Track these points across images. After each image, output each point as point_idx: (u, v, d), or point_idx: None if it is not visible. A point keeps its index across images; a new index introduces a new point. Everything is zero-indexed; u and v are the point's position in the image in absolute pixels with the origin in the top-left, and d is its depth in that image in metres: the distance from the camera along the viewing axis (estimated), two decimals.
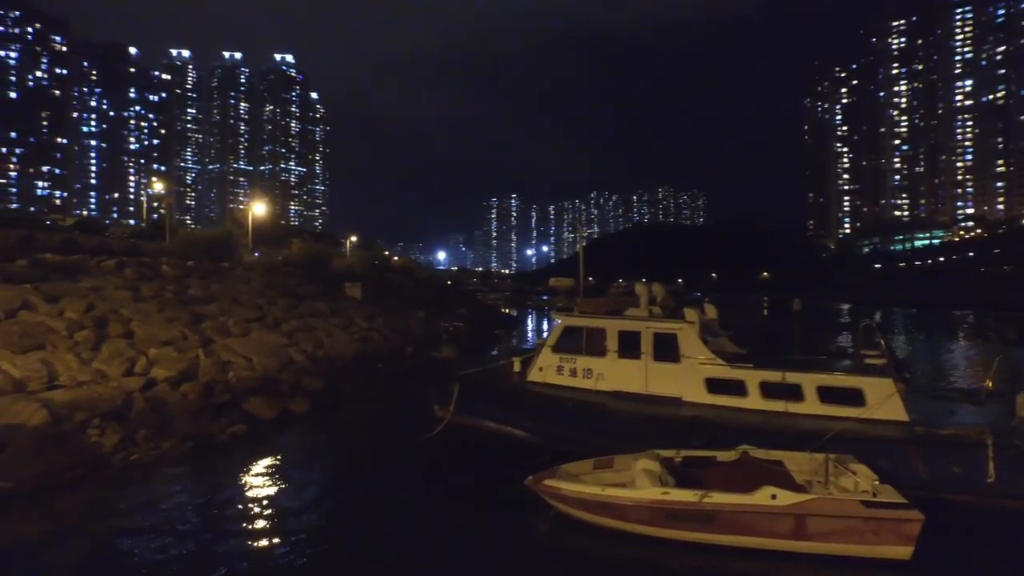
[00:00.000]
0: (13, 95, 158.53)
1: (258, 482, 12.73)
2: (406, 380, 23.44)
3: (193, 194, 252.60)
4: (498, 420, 14.34)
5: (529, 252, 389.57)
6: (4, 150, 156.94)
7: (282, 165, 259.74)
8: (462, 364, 16.59)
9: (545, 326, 56.61)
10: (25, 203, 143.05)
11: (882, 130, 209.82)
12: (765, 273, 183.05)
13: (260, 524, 10.54)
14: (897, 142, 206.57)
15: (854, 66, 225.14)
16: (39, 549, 9.45)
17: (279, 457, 14.64)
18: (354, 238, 73.59)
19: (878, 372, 12.12)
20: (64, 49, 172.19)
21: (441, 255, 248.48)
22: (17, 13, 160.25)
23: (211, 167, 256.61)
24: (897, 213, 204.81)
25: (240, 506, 11.34)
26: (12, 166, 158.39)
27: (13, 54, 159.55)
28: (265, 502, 11.55)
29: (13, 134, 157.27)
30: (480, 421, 14.55)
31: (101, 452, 12.89)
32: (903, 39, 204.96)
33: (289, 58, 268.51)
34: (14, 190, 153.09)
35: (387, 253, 77.73)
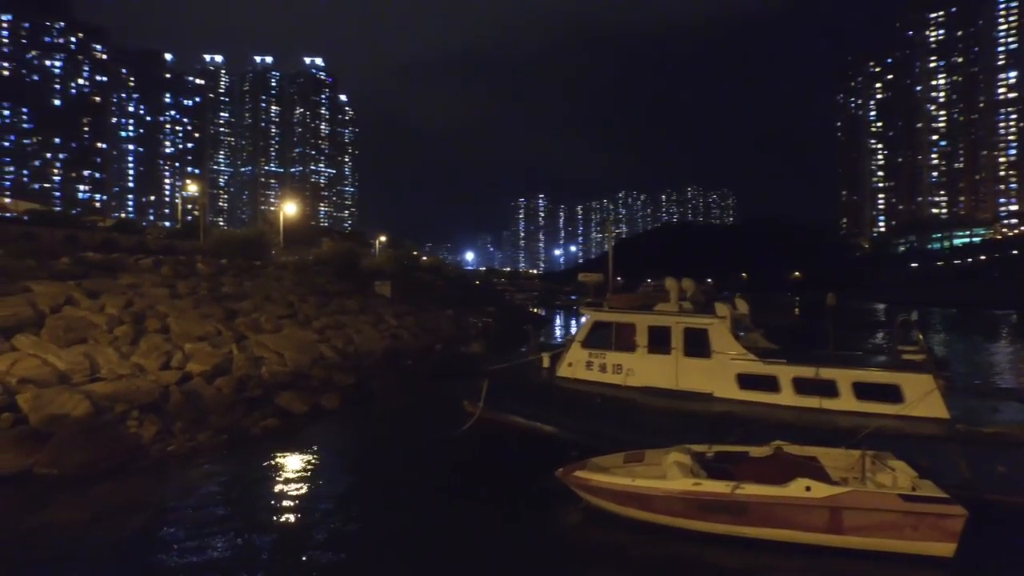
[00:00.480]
0: (57, 103, 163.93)
1: (291, 474, 12.93)
2: (435, 377, 23.60)
3: (226, 196, 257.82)
4: (527, 416, 14.34)
5: (557, 252, 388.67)
6: (49, 155, 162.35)
7: (312, 167, 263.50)
8: (490, 360, 16.62)
9: (573, 325, 56.42)
10: (67, 206, 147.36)
11: (919, 125, 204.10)
12: (796, 273, 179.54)
13: (292, 515, 10.71)
14: (935, 137, 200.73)
15: (889, 60, 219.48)
16: (82, 533, 9.74)
17: (311, 450, 14.85)
18: (383, 238, 74.39)
19: (916, 368, 11.79)
20: (104, 57, 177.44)
21: (469, 255, 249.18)
22: (61, 24, 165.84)
23: (243, 170, 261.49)
24: (935, 211, 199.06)
25: (273, 497, 11.54)
26: (56, 171, 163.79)
27: (58, 63, 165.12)
28: (297, 494, 11.72)
29: (57, 140, 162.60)
30: (509, 416, 14.57)
31: (140, 443, 13.24)
32: (941, 31, 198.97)
33: (319, 61, 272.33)
34: (58, 194, 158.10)
35: (415, 253, 78.27)
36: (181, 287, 22.89)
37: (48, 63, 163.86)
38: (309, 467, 13.68)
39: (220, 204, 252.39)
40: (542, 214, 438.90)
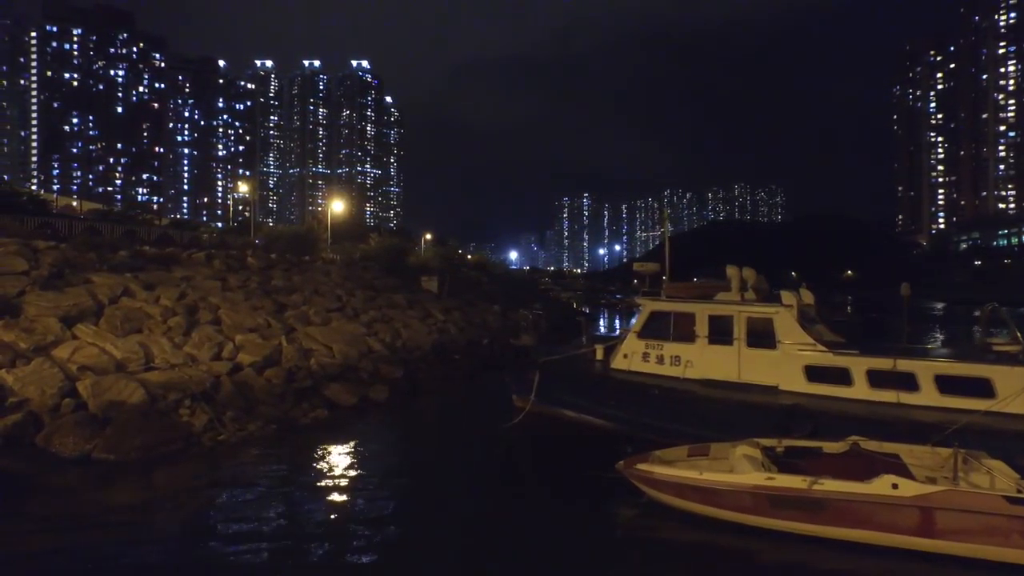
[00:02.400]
0: (119, 110, 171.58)
1: (339, 466, 12.79)
2: (483, 371, 23.33)
3: (275, 198, 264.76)
4: (580, 409, 13.82)
5: (601, 251, 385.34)
6: (111, 160, 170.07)
7: (358, 168, 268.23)
8: (541, 351, 16.17)
9: (617, 324, 55.52)
10: (127, 208, 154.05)
11: (984, 116, 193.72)
12: (849, 271, 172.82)
13: (340, 507, 10.53)
14: (1003, 128, 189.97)
15: (952, 48, 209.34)
16: (138, 517, 9.79)
17: (360, 442, 14.71)
18: (428, 236, 74.84)
19: (1011, 360, 10.81)
20: (162, 65, 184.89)
21: (513, 255, 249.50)
22: (124, 35, 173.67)
23: (291, 171, 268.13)
24: (1002, 206, 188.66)
25: (322, 488, 11.39)
26: (118, 175, 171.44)
27: (120, 73, 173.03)
28: (345, 486, 11.54)
29: (119, 145, 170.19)
30: (561, 410, 14.08)
31: (191, 431, 13.31)
32: (1013, 14, 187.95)
33: (365, 63, 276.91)
34: (119, 197, 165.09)
35: (460, 251, 78.45)
36: (232, 280, 23.22)
37: (112, 72, 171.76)
38: (358, 459, 13.52)
39: (270, 205, 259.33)
40: (586, 213, 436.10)
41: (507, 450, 14.27)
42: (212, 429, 13.61)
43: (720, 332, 13.29)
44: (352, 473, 12.28)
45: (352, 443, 14.74)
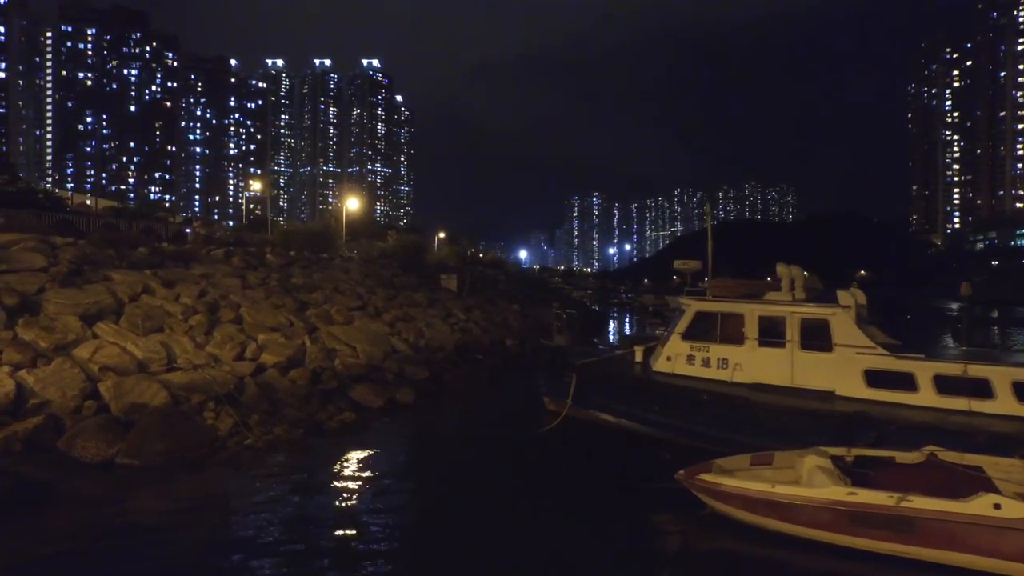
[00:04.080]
0: (132, 109, 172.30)
1: (370, 473, 12.26)
2: (507, 372, 22.75)
3: (285, 196, 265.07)
4: (620, 414, 13.21)
5: (611, 251, 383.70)
6: (124, 159, 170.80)
7: (368, 167, 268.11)
8: (576, 353, 15.54)
9: (626, 323, 54.82)
10: (141, 206, 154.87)
11: (1002, 114, 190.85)
12: (862, 271, 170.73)
13: (372, 517, 9.97)
14: (1021, 126, 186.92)
15: (968, 45, 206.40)
16: (163, 525, 9.29)
17: (389, 447, 14.17)
18: (442, 234, 74.33)
19: None
20: (175, 64, 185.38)
21: (523, 253, 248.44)
22: (138, 35, 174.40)
23: (302, 170, 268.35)
24: (1019, 205, 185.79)
25: (352, 497, 10.86)
26: (131, 173, 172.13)
27: (134, 72, 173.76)
28: (377, 495, 10.99)
29: (132, 144, 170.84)
30: (600, 414, 13.47)
31: (217, 435, 12.78)
32: None
33: (375, 63, 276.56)
34: (132, 195, 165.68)
35: (472, 250, 77.92)
36: (252, 278, 22.72)
37: (126, 72, 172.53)
38: (388, 465, 12.97)
39: (280, 204, 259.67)
40: (596, 212, 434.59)
41: (543, 456, 13.65)
42: (238, 433, 13.08)
43: (771, 334, 12.61)
44: (384, 481, 11.72)
45: (381, 448, 14.18)
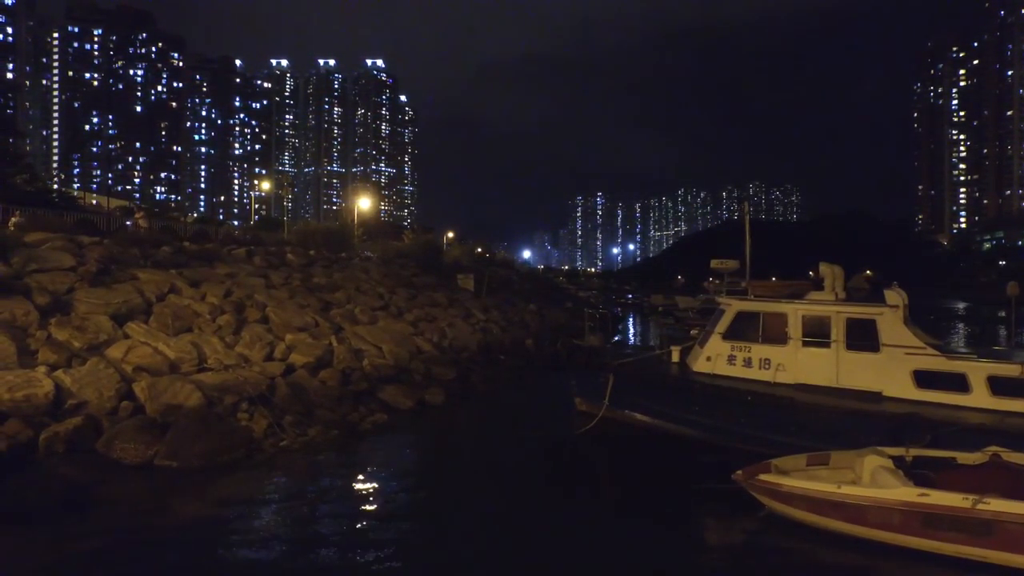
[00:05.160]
0: (138, 109, 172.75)
1: (405, 475, 12.22)
2: (529, 372, 22.59)
3: (290, 196, 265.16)
4: (659, 415, 13.00)
5: (615, 251, 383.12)
6: (130, 159, 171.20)
7: (372, 167, 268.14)
8: (611, 353, 15.37)
9: (631, 322, 54.53)
10: (151, 206, 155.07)
11: (1009, 113, 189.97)
12: (868, 271, 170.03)
13: (410, 521, 9.85)
14: None
15: (975, 44, 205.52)
16: (206, 529, 9.23)
17: (425, 449, 14.05)
18: (451, 234, 74.25)
19: None
20: (181, 65, 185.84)
21: (527, 253, 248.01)
22: (144, 35, 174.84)
23: (306, 170, 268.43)
24: None
25: (390, 499, 10.81)
26: (136, 173, 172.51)
27: (140, 72, 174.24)
28: (414, 497, 10.92)
29: (138, 144, 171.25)
30: (638, 415, 13.27)
31: (252, 436, 12.66)
32: None
33: (380, 63, 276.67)
34: (137, 195, 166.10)
35: (479, 250, 77.79)
36: (274, 277, 22.60)
37: (132, 72, 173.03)
38: (424, 467, 12.88)
39: (285, 204, 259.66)
40: (600, 212, 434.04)
41: (580, 458, 13.50)
42: (273, 435, 12.95)
43: (815, 333, 12.43)
44: (420, 484, 11.66)
45: (416, 450, 14.06)
